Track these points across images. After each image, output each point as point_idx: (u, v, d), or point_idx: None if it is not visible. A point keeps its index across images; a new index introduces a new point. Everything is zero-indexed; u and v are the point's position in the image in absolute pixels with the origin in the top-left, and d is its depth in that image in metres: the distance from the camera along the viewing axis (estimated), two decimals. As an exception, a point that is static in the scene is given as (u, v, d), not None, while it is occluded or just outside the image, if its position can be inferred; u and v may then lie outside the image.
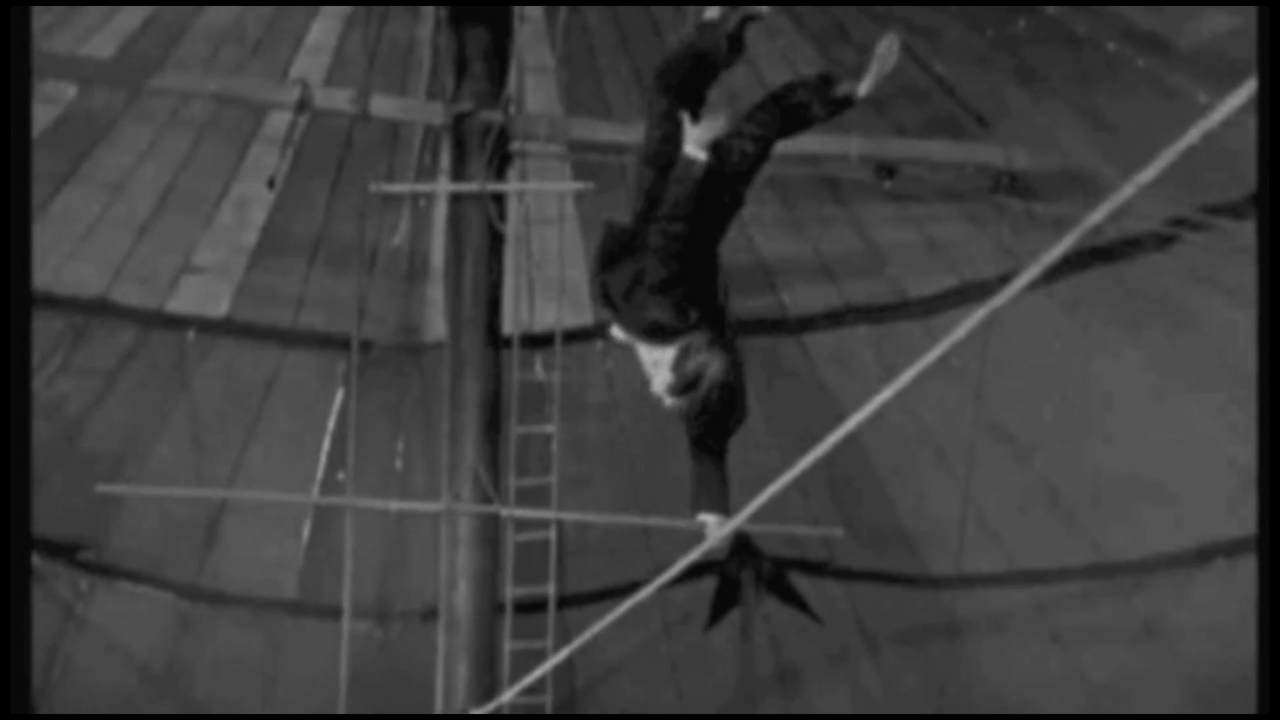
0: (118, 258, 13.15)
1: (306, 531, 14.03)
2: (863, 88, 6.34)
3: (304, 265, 13.36)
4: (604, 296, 6.22)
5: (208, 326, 13.52)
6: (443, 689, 11.51)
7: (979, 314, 4.04)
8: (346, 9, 12.33)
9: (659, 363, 6.07)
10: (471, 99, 11.65)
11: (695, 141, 6.02)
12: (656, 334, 6.07)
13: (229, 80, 12.21)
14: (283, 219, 13.17)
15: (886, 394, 4.46)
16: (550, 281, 12.71)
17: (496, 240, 11.75)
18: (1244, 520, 11.41)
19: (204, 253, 13.29)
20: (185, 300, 13.44)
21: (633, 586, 7.25)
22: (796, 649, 14.19)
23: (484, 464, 11.51)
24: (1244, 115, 3.61)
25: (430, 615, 12.36)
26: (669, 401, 6.07)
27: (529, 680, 9.04)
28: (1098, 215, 3.80)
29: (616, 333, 6.29)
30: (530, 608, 11.69)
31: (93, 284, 13.18)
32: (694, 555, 6.49)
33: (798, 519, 13.31)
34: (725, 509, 6.34)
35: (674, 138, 6.07)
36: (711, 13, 6.28)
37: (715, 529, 6.33)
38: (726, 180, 6.13)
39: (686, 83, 6.21)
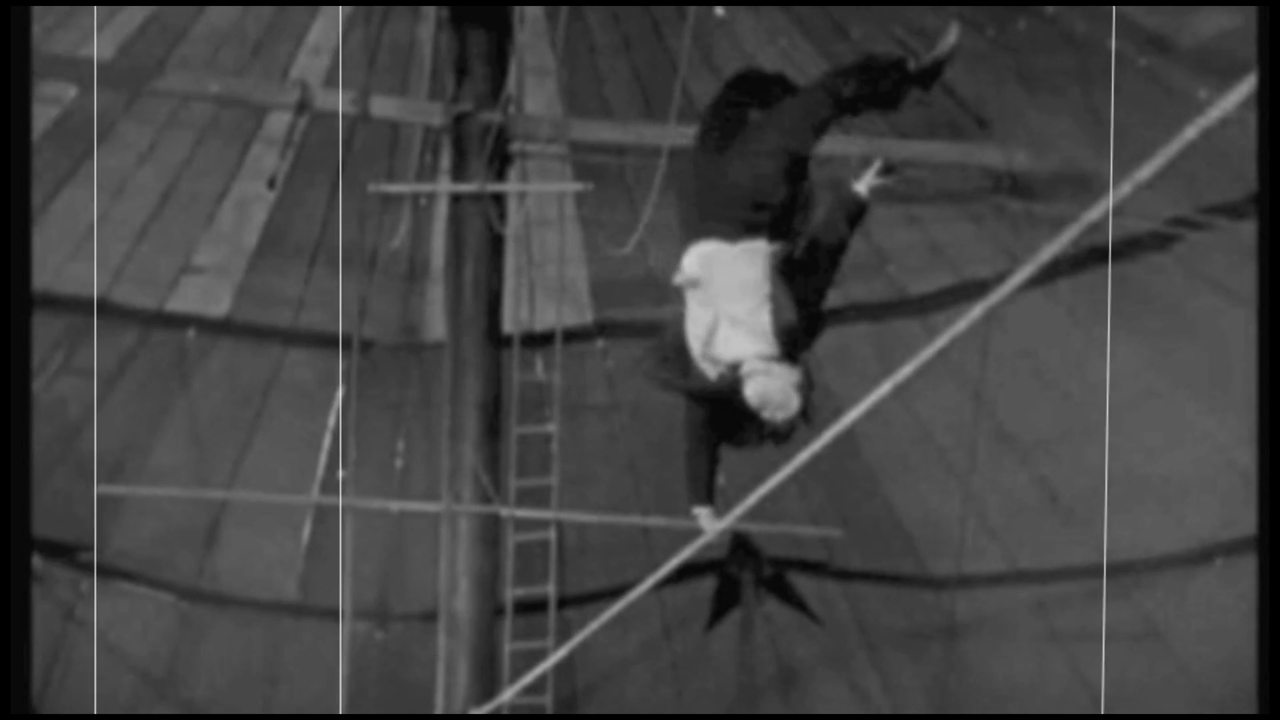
0: (118, 258, 13.15)
1: (306, 532, 14.03)
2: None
3: (304, 265, 13.36)
4: (792, 300, 5.98)
5: (208, 326, 13.52)
6: (443, 689, 11.51)
7: (976, 309, 4.04)
8: (347, 10, 12.33)
9: (770, 373, 5.91)
10: (472, 100, 11.65)
11: (869, 188, 6.15)
12: (796, 354, 6.01)
13: (229, 81, 12.21)
14: (283, 219, 13.17)
15: (884, 389, 4.46)
16: (550, 282, 12.72)
17: (497, 241, 11.75)
18: (1244, 520, 11.40)
19: (204, 253, 13.29)
20: (186, 300, 13.45)
21: (633, 587, 7.24)
22: (796, 649, 14.19)
23: (484, 464, 11.51)
24: (1244, 113, 3.61)
25: (430, 616, 12.36)
26: (778, 417, 5.98)
27: (529, 680, 9.04)
28: (1096, 212, 3.80)
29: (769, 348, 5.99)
30: (530, 608, 11.69)
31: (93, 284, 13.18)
32: (691, 550, 6.49)
33: (797, 519, 13.31)
34: (714, 501, 6.38)
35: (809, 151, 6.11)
36: (945, 48, 6.25)
37: (709, 522, 6.33)
38: None
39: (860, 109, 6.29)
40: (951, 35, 6.33)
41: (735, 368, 5.96)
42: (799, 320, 5.95)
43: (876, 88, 6.32)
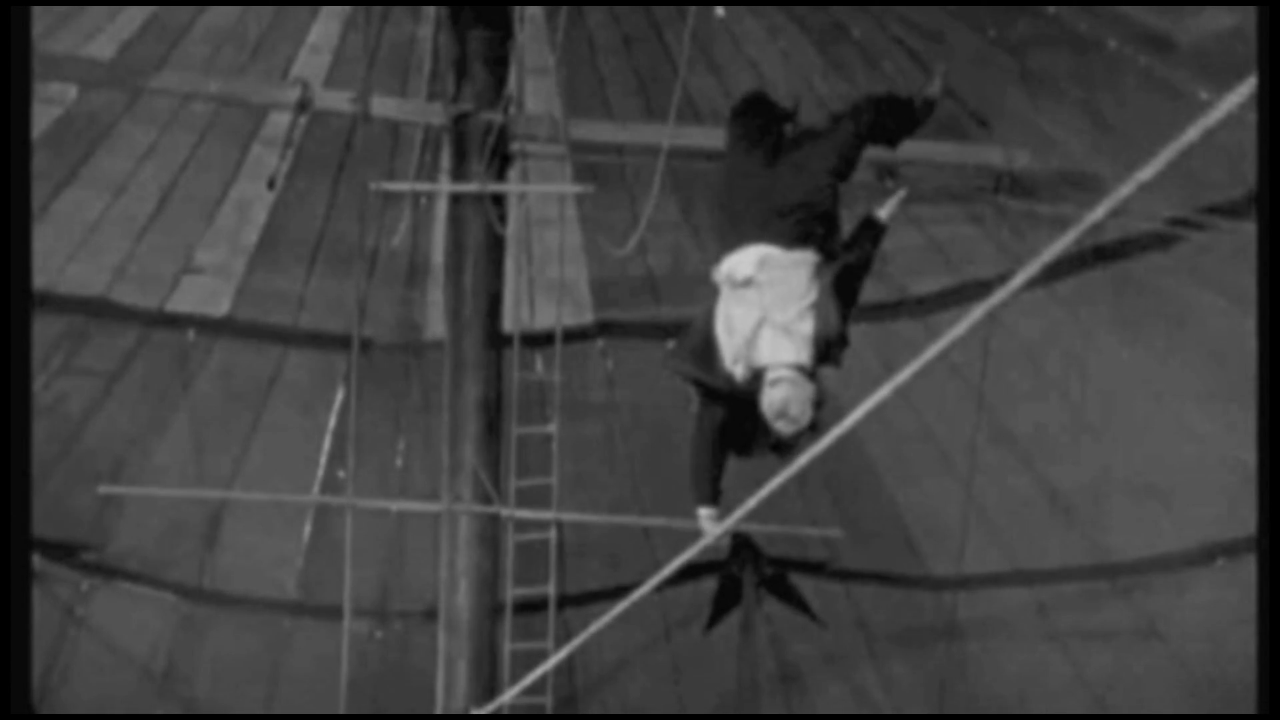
0: (119, 258, 13.15)
1: (307, 531, 14.03)
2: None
3: (304, 265, 13.36)
4: (836, 312, 6.28)
5: (209, 326, 13.52)
6: (443, 689, 11.50)
7: (977, 311, 4.04)
8: (347, 9, 12.33)
9: (795, 384, 6.10)
10: (472, 99, 11.65)
11: (889, 214, 6.55)
12: (827, 364, 6.27)
13: (229, 81, 12.21)
14: (283, 219, 13.17)
15: (884, 391, 4.46)
16: (550, 282, 12.72)
17: (497, 240, 11.75)
18: (1244, 520, 11.39)
19: (205, 253, 13.29)
20: (186, 300, 13.45)
21: (633, 587, 7.25)
22: (797, 649, 14.19)
23: (484, 464, 11.51)
24: (1245, 113, 3.60)
25: (430, 615, 12.36)
26: (788, 430, 6.10)
27: (529, 680, 9.05)
28: (1098, 213, 3.80)
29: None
30: (530, 608, 11.69)
31: (94, 284, 13.18)
32: (692, 552, 6.51)
33: (799, 519, 13.31)
34: (719, 502, 6.46)
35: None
36: (934, 92, 6.73)
37: (711, 524, 6.38)
38: None
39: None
40: (936, 84, 6.72)
41: (759, 374, 6.05)
42: (838, 332, 6.15)
43: (893, 126, 6.68)
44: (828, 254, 6.27)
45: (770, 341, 6.08)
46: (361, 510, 12.24)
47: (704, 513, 6.43)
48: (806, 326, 6.10)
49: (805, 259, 6.20)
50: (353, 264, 12.18)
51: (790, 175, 6.37)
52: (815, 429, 6.06)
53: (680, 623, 14.07)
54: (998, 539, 13.11)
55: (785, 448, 6.12)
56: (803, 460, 5.55)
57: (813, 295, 6.14)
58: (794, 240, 6.21)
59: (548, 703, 11.36)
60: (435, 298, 13.21)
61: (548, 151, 12.03)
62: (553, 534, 11.64)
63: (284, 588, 14.15)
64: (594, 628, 7.58)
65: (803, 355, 6.08)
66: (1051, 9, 11.07)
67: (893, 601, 13.87)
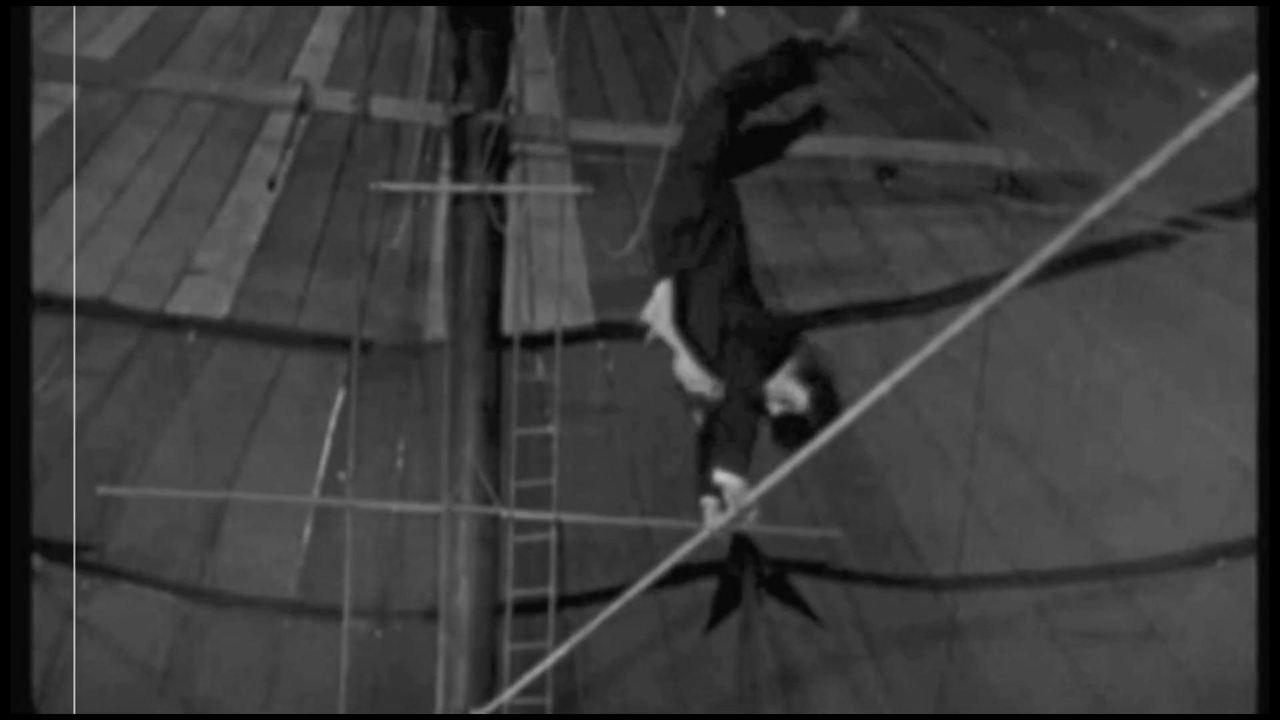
0: (119, 259, 13.16)
1: (307, 532, 14.04)
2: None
3: (305, 266, 13.37)
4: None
5: (209, 328, 13.53)
6: (443, 689, 11.51)
7: (977, 309, 4.04)
8: (347, 10, 12.34)
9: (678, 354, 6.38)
10: (472, 100, 11.65)
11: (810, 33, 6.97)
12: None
13: (230, 81, 12.21)
14: (284, 220, 13.18)
15: (882, 388, 4.47)
16: (550, 282, 12.73)
17: (497, 241, 11.76)
18: (1245, 520, 11.39)
19: (205, 254, 13.29)
20: (186, 301, 13.45)
21: (632, 587, 7.25)
22: (796, 650, 14.19)
23: (484, 465, 11.51)
24: (1245, 112, 3.61)
25: (430, 615, 12.37)
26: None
27: (529, 680, 9.05)
28: (1097, 210, 3.80)
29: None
30: (530, 609, 11.69)
31: (94, 286, 13.18)
32: (692, 545, 6.52)
33: (798, 520, 13.31)
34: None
35: None
36: (848, 25, 6.88)
37: (714, 516, 6.39)
38: None
39: None
40: (852, 14, 6.65)
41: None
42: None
43: (763, 73, 6.49)
44: (715, 259, 6.25)
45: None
46: (361, 511, 12.25)
47: (706, 502, 6.43)
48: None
49: (661, 293, 6.26)
50: (353, 265, 12.19)
51: (661, 192, 6.50)
52: (804, 435, 6.04)
53: (680, 623, 14.07)
54: (997, 539, 13.11)
55: (790, 440, 6.10)
56: (801, 457, 5.55)
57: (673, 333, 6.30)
58: (661, 270, 6.29)
59: (548, 703, 11.37)
60: (435, 298, 13.21)
61: (548, 152, 12.04)
62: (553, 535, 11.65)
63: (284, 588, 14.16)
64: (591, 627, 7.58)
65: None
66: (1051, 9, 11.07)
67: (893, 601, 13.87)
